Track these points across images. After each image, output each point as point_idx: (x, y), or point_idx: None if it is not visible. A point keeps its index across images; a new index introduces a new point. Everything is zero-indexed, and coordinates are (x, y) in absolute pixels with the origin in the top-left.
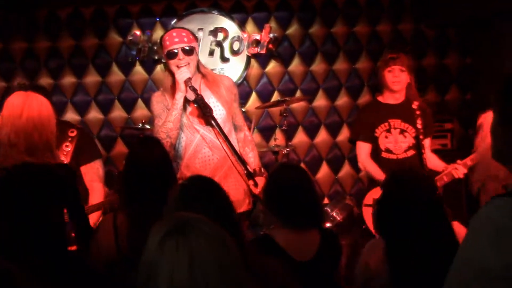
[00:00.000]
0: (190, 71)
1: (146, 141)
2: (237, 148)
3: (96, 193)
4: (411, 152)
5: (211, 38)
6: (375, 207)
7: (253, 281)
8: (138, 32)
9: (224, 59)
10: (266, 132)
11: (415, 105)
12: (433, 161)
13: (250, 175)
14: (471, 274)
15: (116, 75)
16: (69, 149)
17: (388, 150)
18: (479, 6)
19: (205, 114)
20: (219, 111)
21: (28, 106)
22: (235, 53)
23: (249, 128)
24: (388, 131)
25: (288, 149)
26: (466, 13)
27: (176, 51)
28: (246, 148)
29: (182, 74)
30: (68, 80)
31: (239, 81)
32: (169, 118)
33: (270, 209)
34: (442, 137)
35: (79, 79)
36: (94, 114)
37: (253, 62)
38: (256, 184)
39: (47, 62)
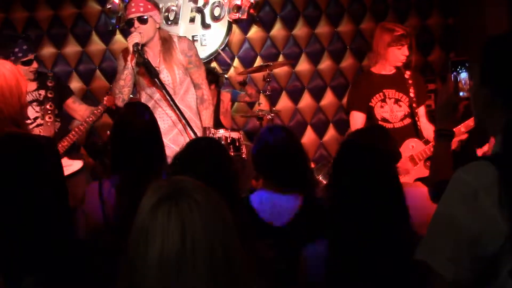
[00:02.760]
0: (142, 38)
1: (133, 106)
2: (193, 104)
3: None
4: (407, 121)
5: (192, 4)
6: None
7: (250, 261)
8: (116, 0)
9: (205, 26)
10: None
11: (407, 74)
12: (430, 130)
13: (195, 135)
14: (443, 229)
15: (97, 44)
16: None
17: (384, 120)
18: None
19: (151, 77)
20: (176, 75)
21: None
22: (216, 19)
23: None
24: (383, 100)
25: (272, 114)
26: None
27: (132, 20)
28: (200, 106)
29: (132, 38)
30: (48, 50)
31: (221, 47)
32: (121, 76)
33: (258, 169)
34: (426, 98)
35: (58, 50)
36: (76, 84)
37: (234, 27)
38: None
39: (25, 32)
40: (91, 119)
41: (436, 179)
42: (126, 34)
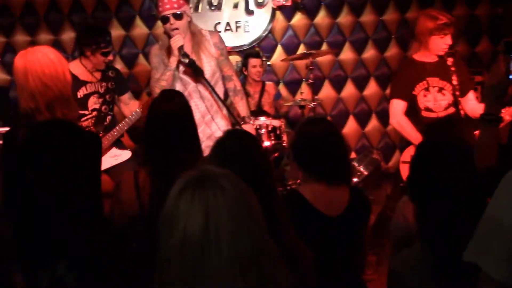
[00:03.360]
0: (182, 36)
1: (167, 93)
2: (222, 96)
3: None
4: (451, 110)
5: None
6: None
7: (277, 252)
8: None
9: (248, 12)
10: (292, 86)
11: (449, 61)
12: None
13: (238, 124)
14: (495, 231)
15: (140, 28)
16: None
17: (427, 109)
18: None
19: (197, 75)
20: (208, 67)
21: (30, 65)
22: (259, 5)
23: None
24: (427, 89)
25: (315, 103)
26: None
27: (167, 17)
28: (236, 97)
29: (176, 41)
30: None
31: (263, 34)
32: (163, 77)
33: (299, 162)
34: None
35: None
36: (118, 68)
37: (278, 14)
38: None
39: (70, 15)
40: (133, 117)
41: (480, 165)
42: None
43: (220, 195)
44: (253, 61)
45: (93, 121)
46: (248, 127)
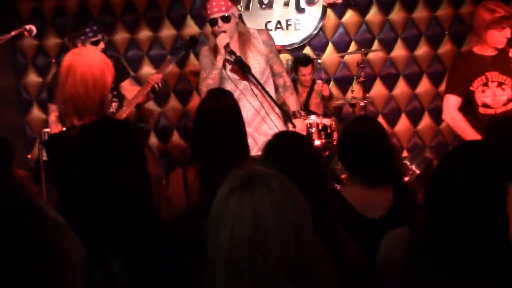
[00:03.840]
0: (229, 36)
1: (217, 92)
2: (273, 94)
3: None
4: (510, 105)
5: None
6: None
7: (326, 253)
8: None
9: (299, 10)
10: (343, 84)
11: (511, 53)
12: None
13: (288, 119)
14: None
15: (191, 27)
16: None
17: (485, 105)
18: None
19: (244, 72)
20: (256, 64)
21: (72, 70)
22: (310, 2)
23: (324, 82)
24: (485, 84)
25: (366, 101)
26: None
27: (216, 19)
28: (285, 93)
29: (222, 39)
30: (144, 34)
31: (314, 32)
32: (210, 75)
33: (343, 162)
34: None
35: (154, 33)
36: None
37: (329, 12)
38: (294, 126)
39: (123, 16)
40: (139, 99)
41: None
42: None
43: (267, 196)
44: (303, 70)
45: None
46: (299, 122)
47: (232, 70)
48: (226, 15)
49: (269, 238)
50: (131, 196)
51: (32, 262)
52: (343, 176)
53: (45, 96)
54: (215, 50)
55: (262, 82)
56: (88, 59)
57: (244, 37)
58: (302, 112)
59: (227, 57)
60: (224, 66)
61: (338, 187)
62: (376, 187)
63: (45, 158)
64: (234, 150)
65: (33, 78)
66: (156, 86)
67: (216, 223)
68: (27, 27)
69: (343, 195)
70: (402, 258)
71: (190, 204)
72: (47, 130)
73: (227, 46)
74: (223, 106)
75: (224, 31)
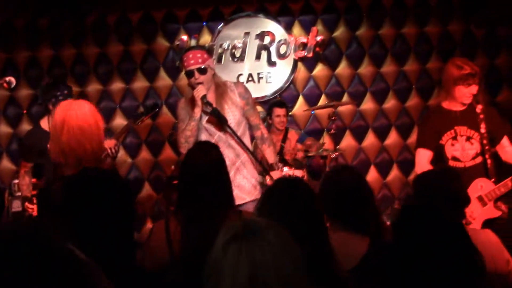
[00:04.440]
0: (205, 87)
1: (203, 145)
2: (249, 145)
3: None
4: (478, 159)
5: (258, 41)
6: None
7: None
8: (185, 37)
9: (270, 63)
10: (314, 136)
11: (478, 109)
12: None
13: (266, 171)
14: None
15: (164, 80)
16: None
17: (455, 158)
18: None
19: (221, 123)
20: (232, 116)
21: (68, 118)
22: (281, 56)
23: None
24: (454, 138)
25: (337, 153)
26: None
27: (192, 71)
28: (263, 145)
29: (199, 91)
30: (117, 85)
31: (285, 85)
32: (188, 127)
33: (327, 210)
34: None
35: (127, 85)
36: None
37: (300, 65)
38: (271, 178)
39: (96, 67)
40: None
41: None
42: None
43: (266, 250)
44: (278, 111)
45: None
46: (276, 174)
47: (208, 121)
48: (203, 67)
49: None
50: (116, 247)
51: None
52: None
53: (15, 148)
54: (192, 102)
55: (238, 134)
56: (80, 111)
57: (220, 89)
58: (279, 164)
59: (204, 109)
60: (201, 117)
61: None
62: (355, 235)
63: (14, 209)
64: (219, 203)
65: (3, 128)
66: (110, 151)
67: (215, 272)
68: (7, 79)
69: None
70: None
71: (172, 254)
72: (17, 181)
73: (203, 97)
74: (209, 158)
75: (201, 83)
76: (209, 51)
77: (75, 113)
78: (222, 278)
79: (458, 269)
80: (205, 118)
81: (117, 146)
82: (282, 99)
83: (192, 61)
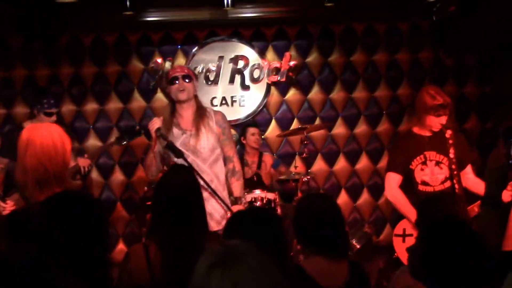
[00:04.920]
0: (187, 97)
1: (176, 168)
2: (222, 172)
3: None
4: (447, 184)
5: (232, 65)
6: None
7: None
8: (159, 60)
9: (244, 87)
10: (286, 159)
11: (448, 134)
12: (480, 185)
13: (228, 208)
14: None
15: (138, 101)
16: None
17: (424, 183)
18: (500, 34)
19: (176, 156)
20: (206, 142)
21: (33, 137)
22: (255, 80)
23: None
24: (424, 163)
25: (308, 177)
26: (486, 40)
27: (177, 76)
28: (232, 178)
29: (153, 124)
30: (91, 106)
31: (259, 109)
32: (147, 159)
33: (301, 237)
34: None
35: (101, 106)
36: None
37: (273, 89)
38: (232, 212)
39: (70, 88)
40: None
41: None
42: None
43: (248, 274)
44: (252, 130)
45: None
46: (237, 208)
47: (183, 144)
48: (188, 75)
49: None
50: (91, 266)
51: None
52: None
53: None
54: (165, 123)
55: (210, 160)
56: (46, 131)
57: (201, 111)
58: (243, 198)
59: (159, 142)
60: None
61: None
62: (333, 259)
63: None
64: (194, 225)
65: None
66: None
67: None
68: None
69: (304, 268)
70: None
71: (153, 277)
72: None
73: (157, 130)
74: (184, 181)
75: (183, 90)
76: None
77: (40, 133)
78: None
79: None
80: (179, 141)
81: (91, 166)
82: (254, 121)
83: (178, 70)
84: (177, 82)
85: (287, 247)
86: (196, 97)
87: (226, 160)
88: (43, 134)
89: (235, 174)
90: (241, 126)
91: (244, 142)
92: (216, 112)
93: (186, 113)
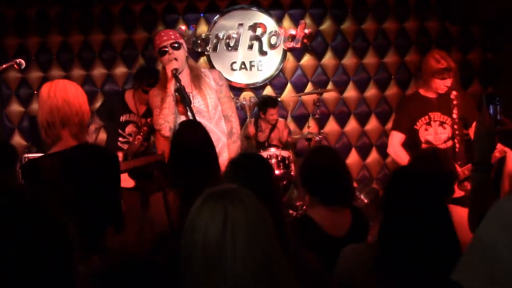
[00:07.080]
0: (179, 65)
1: (189, 123)
2: (225, 130)
3: None
4: (449, 143)
5: (251, 33)
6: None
7: (286, 259)
8: (183, 27)
9: (262, 53)
10: (300, 120)
11: (452, 95)
12: None
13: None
14: (481, 256)
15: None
16: None
17: (427, 142)
18: (502, 4)
19: (184, 103)
20: (209, 99)
21: (55, 86)
22: (272, 47)
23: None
24: (428, 123)
25: (320, 136)
26: (489, 11)
27: (166, 48)
28: (228, 140)
29: (171, 64)
30: (120, 70)
31: (275, 73)
32: (165, 105)
33: (306, 187)
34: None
35: (129, 69)
36: None
37: (288, 55)
38: None
39: (101, 53)
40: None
41: (477, 213)
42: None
43: (239, 207)
44: (272, 111)
45: (126, 146)
46: None
47: (176, 100)
48: (177, 44)
49: (238, 238)
50: (101, 214)
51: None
52: (298, 203)
53: (26, 125)
54: (164, 83)
55: (216, 118)
56: (69, 84)
57: (195, 71)
58: None
59: (173, 83)
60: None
61: (294, 213)
62: (337, 209)
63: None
64: (209, 173)
65: (15, 107)
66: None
67: (191, 226)
68: (17, 61)
69: (311, 216)
70: (361, 270)
71: (171, 224)
72: (28, 155)
73: (175, 70)
74: (198, 134)
75: (175, 59)
76: (205, 40)
77: (63, 84)
78: (197, 230)
79: (440, 238)
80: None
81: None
82: (271, 85)
83: (164, 38)
84: (167, 51)
85: (276, 191)
86: (188, 58)
87: (224, 119)
88: (65, 84)
89: (231, 136)
90: (258, 90)
91: (262, 116)
92: (212, 70)
93: (183, 77)
